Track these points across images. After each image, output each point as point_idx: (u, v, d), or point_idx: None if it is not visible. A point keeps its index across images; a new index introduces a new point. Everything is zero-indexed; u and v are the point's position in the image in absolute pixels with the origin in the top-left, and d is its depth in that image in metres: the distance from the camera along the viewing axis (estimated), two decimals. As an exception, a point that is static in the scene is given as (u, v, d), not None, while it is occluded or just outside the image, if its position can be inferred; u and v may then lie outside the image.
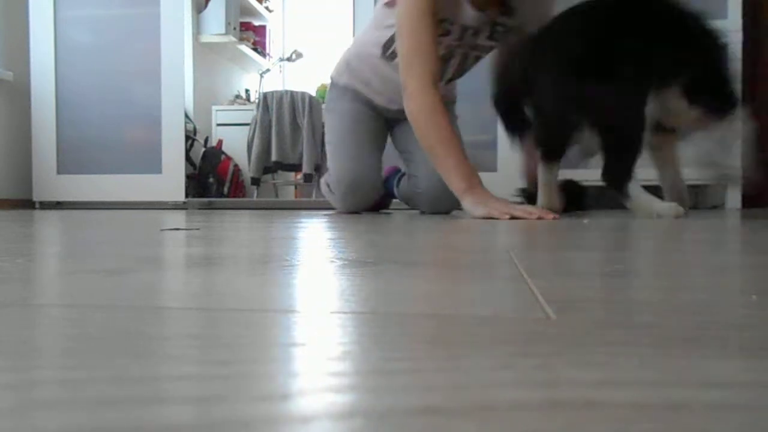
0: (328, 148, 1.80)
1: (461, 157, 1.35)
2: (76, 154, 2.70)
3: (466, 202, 1.33)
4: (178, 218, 1.39)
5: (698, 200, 2.55)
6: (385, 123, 1.81)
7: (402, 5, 1.36)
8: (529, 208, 1.29)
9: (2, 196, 2.70)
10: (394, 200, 2.03)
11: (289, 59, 3.98)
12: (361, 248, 0.57)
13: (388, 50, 1.61)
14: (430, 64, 1.36)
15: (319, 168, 3.04)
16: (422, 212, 1.77)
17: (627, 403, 0.14)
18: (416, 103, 1.39)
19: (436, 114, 1.35)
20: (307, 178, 3.10)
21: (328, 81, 1.93)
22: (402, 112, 1.46)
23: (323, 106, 1.97)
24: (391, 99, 1.69)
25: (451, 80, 1.69)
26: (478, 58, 1.59)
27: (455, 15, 1.45)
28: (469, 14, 1.46)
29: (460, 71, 1.64)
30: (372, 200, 1.77)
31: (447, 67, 1.58)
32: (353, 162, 1.68)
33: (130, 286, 0.33)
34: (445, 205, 1.68)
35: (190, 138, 3.01)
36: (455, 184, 1.34)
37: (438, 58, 1.41)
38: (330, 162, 1.78)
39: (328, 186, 1.78)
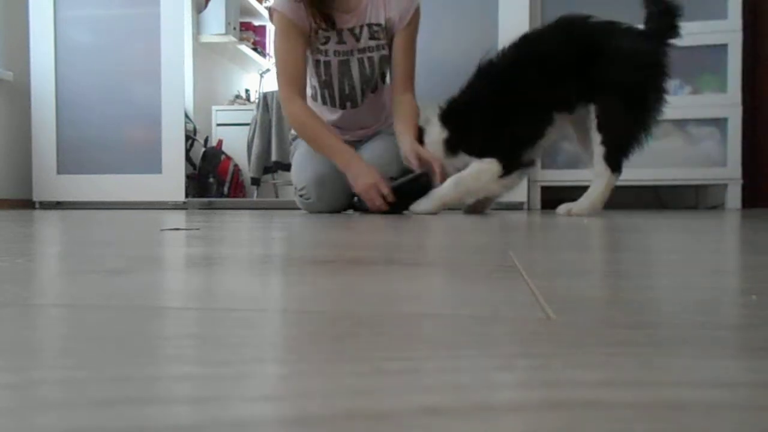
0: (294, 167, 1.88)
1: (337, 140, 1.65)
2: (76, 154, 2.70)
3: (348, 176, 1.62)
4: (178, 218, 1.39)
5: (698, 200, 2.55)
6: None
7: (274, 31, 1.66)
8: (382, 199, 1.58)
9: (2, 196, 2.70)
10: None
11: (289, 59, 3.96)
12: (361, 248, 0.57)
13: (315, 95, 1.85)
14: (291, 76, 1.64)
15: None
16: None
17: (627, 403, 0.14)
18: (287, 112, 1.69)
19: (304, 117, 1.65)
20: (307, 178, 3.09)
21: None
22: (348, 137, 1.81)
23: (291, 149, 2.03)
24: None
25: (364, 94, 1.80)
26: (372, 62, 1.72)
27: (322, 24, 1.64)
28: (338, 18, 1.64)
29: (373, 79, 1.77)
30: (344, 197, 1.80)
31: (350, 72, 1.73)
32: (321, 164, 1.74)
33: (130, 286, 0.33)
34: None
35: (190, 138, 3.01)
36: (339, 162, 1.63)
37: (299, 63, 1.65)
38: (299, 172, 1.84)
39: (301, 196, 1.83)
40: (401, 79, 1.70)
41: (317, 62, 1.71)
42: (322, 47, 1.67)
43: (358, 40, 1.67)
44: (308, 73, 1.75)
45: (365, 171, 1.59)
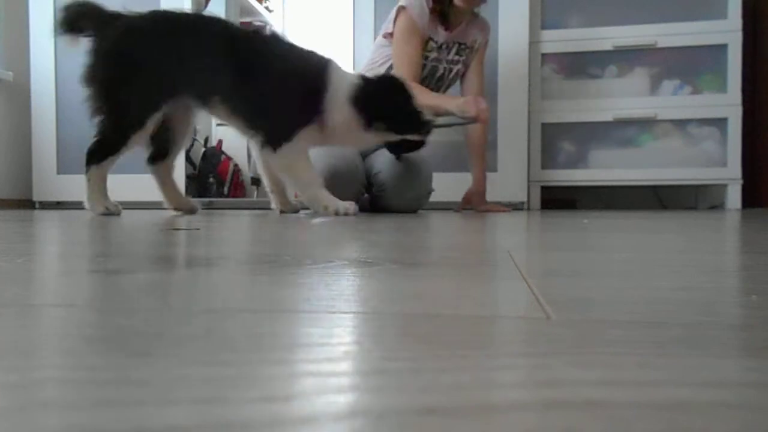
0: None
1: (442, 96, 1.93)
2: (76, 154, 2.68)
3: (460, 102, 1.81)
4: (178, 218, 1.39)
5: (698, 200, 2.55)
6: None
7: (396, 25, 1.91)
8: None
9: (2, 196, 2.70)
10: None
11: (288, 59, 3.96)
12: (361, 248, 0.57)
13: None
14: (410, 66, 1.88)
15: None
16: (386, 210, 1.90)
17: (627, 403, 0.15)
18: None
19: (421, 91, 1.81)
20: (307, 178, 3.10)
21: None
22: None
23: None
24: None
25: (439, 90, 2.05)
26: (451, 72, 2.03)
27: (435, 35, 1.94)
28: (441, 34, 1.95)
29: (444, 84, 2.06)
30: (357, 192, 1.90)
31: (435, 78, 2.00)
32: (333, 158, 1.87)
33: (130, 286, 0.33)
34: (409, 195, 1.91)
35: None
36: (452, 106, 1.80)
37: (419, 63, 1.90)
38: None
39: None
40: (475, 93, 1.97)
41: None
42: (426, 53, 1.93)
43: (449, 54, 1.97)
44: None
45: (461, 99, 1.82)
